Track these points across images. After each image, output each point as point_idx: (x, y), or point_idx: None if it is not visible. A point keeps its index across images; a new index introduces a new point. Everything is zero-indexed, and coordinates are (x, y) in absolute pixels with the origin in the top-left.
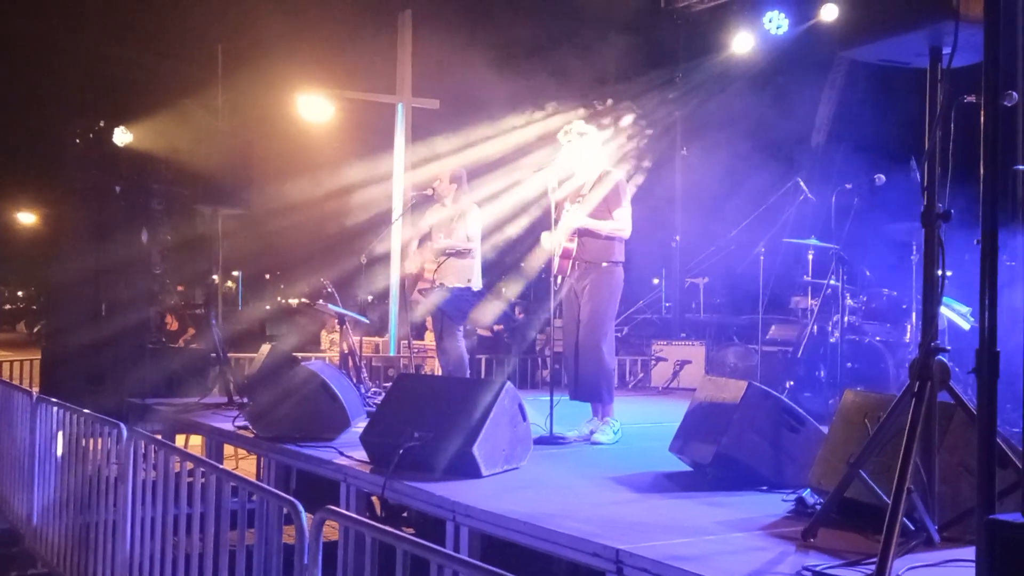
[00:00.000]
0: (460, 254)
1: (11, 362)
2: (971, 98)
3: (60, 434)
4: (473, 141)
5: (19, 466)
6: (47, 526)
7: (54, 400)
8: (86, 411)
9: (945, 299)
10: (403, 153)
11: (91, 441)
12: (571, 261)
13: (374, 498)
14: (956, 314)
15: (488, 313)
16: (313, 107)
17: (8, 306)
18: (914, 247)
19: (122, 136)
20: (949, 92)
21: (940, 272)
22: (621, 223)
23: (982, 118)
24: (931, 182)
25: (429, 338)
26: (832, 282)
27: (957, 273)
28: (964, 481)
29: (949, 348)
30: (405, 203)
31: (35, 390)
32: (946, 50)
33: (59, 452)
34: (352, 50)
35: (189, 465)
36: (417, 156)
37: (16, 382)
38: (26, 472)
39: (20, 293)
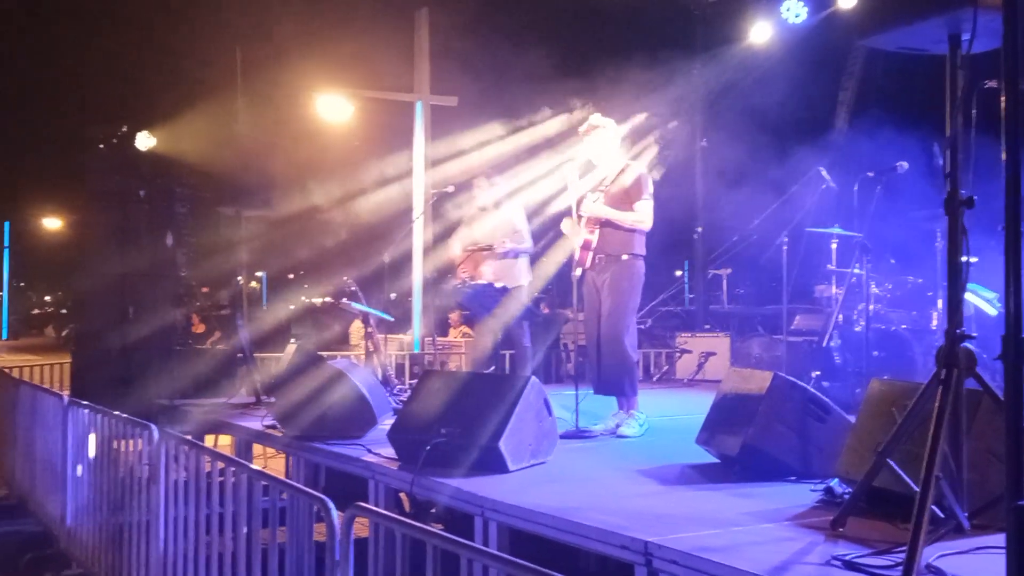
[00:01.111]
0: (493, 251)
1: (41, 366)
2: (992, 83)
3: (92, 436)
4: (492, 138)
5: (52, 469)
6: (81, 527)
7: (85, 403)
8: (117, 413)
9: (971, 285)
10: (423, 151)
11: (122, 443)
12: (591, 253)
13: (402, 494)
14: (983, 300)
15: (512, 309)
16: (332, 107)
17: (36, 311)
18: (938, 234)
19: (145, 141)
20: (969, 78)
21: (965, 259)
22: (642, 215)
23: (1002, 103)
24: (954, 168)
25: (453, 335)
26: (856, 270)
27: (985, 259)
28: (992, 468)
29: (975, 335)
30: (426, 201)
31: (65, 393)
32: (965, 36)
33: (91, 454)
34: (370, 49)
35: (220, 465)
36: (437, 153)
37: (46, 386)
38: (59, 474)
39: (48, 298)
